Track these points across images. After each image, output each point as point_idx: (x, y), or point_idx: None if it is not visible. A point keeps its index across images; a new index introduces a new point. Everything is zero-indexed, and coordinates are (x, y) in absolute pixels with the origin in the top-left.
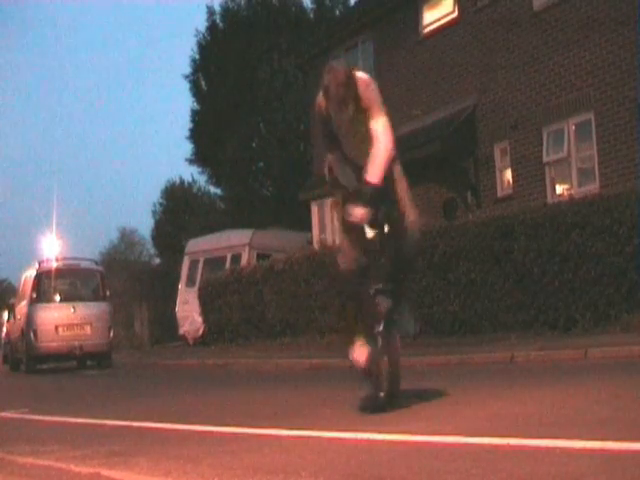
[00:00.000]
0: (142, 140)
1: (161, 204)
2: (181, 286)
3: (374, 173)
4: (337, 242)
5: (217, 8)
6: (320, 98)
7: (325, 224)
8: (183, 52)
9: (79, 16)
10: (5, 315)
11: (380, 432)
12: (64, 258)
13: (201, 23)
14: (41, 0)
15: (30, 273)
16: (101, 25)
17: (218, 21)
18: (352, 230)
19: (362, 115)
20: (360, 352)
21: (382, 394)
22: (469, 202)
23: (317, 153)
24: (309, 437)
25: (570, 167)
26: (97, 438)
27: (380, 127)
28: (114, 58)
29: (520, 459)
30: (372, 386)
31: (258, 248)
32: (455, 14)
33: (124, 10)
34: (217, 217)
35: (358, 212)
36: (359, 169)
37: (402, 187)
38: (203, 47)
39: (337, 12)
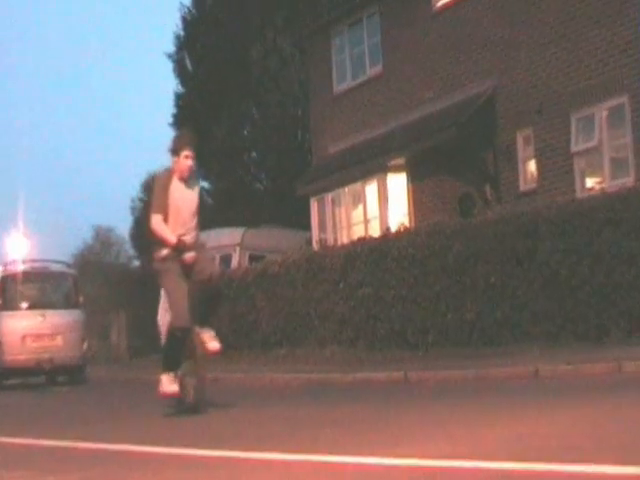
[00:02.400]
0: (119, 127)
1: (141, 199)
2: (163, 292)
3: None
4: (165, 302)
5: None
6: (165, 173)
7: (326, 222)
8: (165, 27)
9: None
10: None
11: (391, 456)
12: (32, 260)
13: None
14: None
15: None
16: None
17: None
18: (180, 278)
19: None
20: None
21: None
22: (488, 197)
23: (316, 141)
24: (308, 462)
25: (602, 157)
26: (69, 463)
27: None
28: (85, 34)
29: None
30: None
31: (250, 249)
32: None
33: None
34: (204, 214)
35: (190, 256)
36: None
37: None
38: (188, 22)
39: None
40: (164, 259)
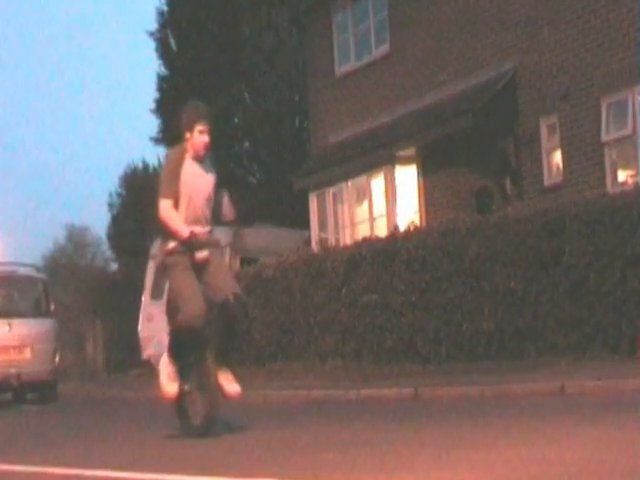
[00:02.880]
0: (95, 114)
1: (119, 194)
2: (145, 298)
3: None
4: (174, 294)
5: None
6: (177, 151)
7: (326, 220)
8: (147, 2)
9: None
10: None
11: None
12: None
13: None
14: None
15: None
16: None
17: None
18: (191, 272)
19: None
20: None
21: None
22: (508, 192)
23: (316, 130)
24: None
25: (635, 147)
26: None
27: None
28: (58, 9)
29: None
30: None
31: (242, 250)
32: None
33: None
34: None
35: (202, 255)
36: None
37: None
38: None
39: None
40: (171, 253)
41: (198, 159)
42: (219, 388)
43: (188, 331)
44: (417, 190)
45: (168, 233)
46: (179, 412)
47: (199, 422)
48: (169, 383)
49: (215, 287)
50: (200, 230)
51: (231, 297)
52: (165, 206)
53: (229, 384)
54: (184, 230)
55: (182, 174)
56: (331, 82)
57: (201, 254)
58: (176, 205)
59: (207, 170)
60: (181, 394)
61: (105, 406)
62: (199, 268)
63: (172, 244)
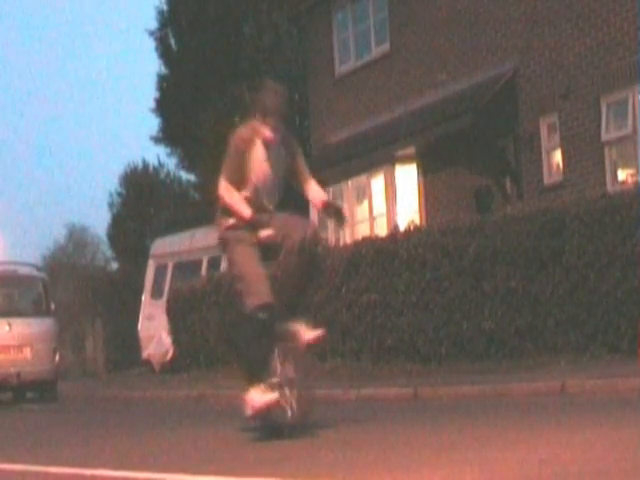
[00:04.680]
0: (95, 113)
1: (120, 194)
2: (145, 298)
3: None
4: (237, 280)
5: None
6: (247, 130)
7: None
8: (147, 1)
9: None
10: None
11: None
12: None
13: None
14: None
15: None
16: None
17: None
18: (255, 250)
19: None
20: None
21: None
22: (508, 191)
23: (316, 129)
24: None
25: (636, 147)
26: None
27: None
28: (59, 9)
29: None
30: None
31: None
32: None
33: None
34: (190, 210)
35: (267, 234)
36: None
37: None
38: None
39: None
40: (232, 228)
41: (270, 143)
42: (293, 340)
43: (258, 309)
44: (417, 189)
45: (226, 209)
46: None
47: (291, 420)
48: (263, 395)
49: (285, 235)
50: (266, 214)
51: (307, 237)
52: (225, 185)
53: (303, 331)
54: (246, 211)
55: (250, 160)
56: (331, 82)
57: (266, 232)
58: (240, 187)
59: (279, 155)
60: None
61: (105, 405)
62: (265, 247)
63: (231, 220)
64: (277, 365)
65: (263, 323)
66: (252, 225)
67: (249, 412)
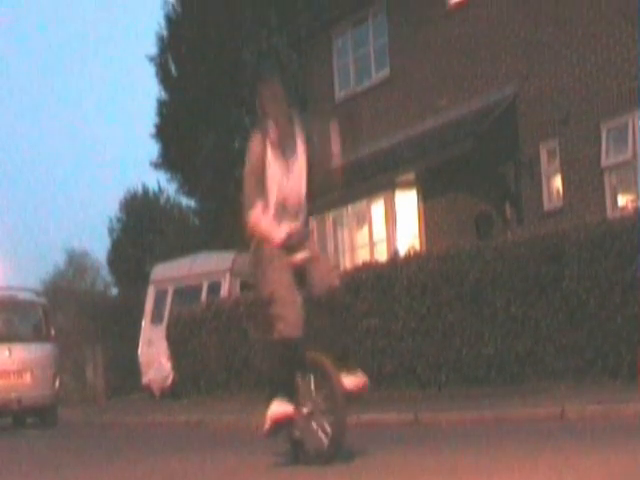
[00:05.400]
0: (95, 139)
1: (119, 220)
2: (145, 323)
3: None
4: (269, 302)
5: None
6: (257, 142)
7: (326, 243)
8: (147, 27)
9: None
10: None
11: None
12: None
13: None
14: None
15: None
16: None
17: None
18: (288, 273)
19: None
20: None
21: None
22: (508, 216)
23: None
24: None
25: (636, 172)
26: None
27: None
28: (59, 34)
29: None
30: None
31: (242, 275)
32: None
33: None
34: (190, 236)
35: (302, 257)
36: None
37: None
38: (172, 21)
39: None
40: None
41: (279, 144)
42: (345, 391)
43: (287, 344)
44: (417, 215)
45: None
46: (291, 439)
47: (324, 447)
48: (281, 405)
49: (318, 279)
50: (293, 227)
51: (336, 284)
52: (256, 215)
53: (353, 379)
54: (279, 235)
55: (267, 169)
56: (331, 107)
57: (301, 255)
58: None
59: (292, 154)
60: (295, 418)
61: (105, 431)
62: (300, 271)
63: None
64: (311, 392)
65: (287, 356)
66: (288, 248)
67: (266, 426)
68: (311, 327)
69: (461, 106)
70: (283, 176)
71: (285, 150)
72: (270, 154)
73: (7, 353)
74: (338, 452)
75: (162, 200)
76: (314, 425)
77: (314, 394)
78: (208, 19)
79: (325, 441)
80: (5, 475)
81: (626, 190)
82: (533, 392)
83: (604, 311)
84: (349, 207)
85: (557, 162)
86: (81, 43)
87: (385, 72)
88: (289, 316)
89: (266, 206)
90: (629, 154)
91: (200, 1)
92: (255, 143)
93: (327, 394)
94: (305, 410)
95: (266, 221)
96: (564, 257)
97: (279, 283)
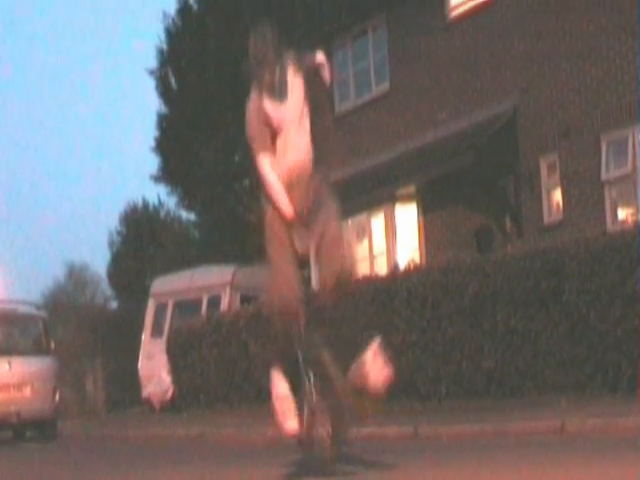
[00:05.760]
0: (95, 152)
1: (119, 233)
2: (145, 336)
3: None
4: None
5: None
6: (252, 100)
7: None
8: (147, 40)
9: None
10: None
11: None
12: None
13: (170, 4)
14: None
15: None
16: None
17: (191, 2)
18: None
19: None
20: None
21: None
22: (508, 230)
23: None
24: None
25: (636, 186)
26: None
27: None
28: (58, 47)
29: None
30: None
31: (242, 289)
32: None
33: None
34: (190, 249)
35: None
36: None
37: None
38: (172, 35)
39: None
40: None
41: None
42: (365, 382)
43: (282, 323)
44: (417, 228)
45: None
46: (304, 444)
47: (326, 454)
48: (287, 419)
49: (327, 258)
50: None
51: (343, 268)
52: (265, 165)
53: (378, 370)
54: (287, 209)
55: (266, 114)
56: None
57: (303, 246)
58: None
59: (284, 96)
60: (302, 423)
61: (105, 444)
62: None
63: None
64: (312, 393)
65: (288, 321)
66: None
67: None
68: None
69: (461, 119)
70: (277, 115)
71: (281, 94)
72: (269, 105)
73: (7, 366)
74: (340, 450)
75: (162, 213)
76: (315, 423)
77: (316, 396)
78: (208, 32)
79: (327, 443)
80: None
81: (626, 204)
82: (533, 405)
83: (604, 325)
84: (349, 220)
85: (557, 175)
86: (81, 56)
87: (385, 85)
88: (283, 289)
89: (276, 164)
90: (629, 168)
91: (200, 14)
92: (251, 102)
93: (330, 397)
94: (307, 412)
95: (277, 184)
96: (564, 271)
97: (278, 256)
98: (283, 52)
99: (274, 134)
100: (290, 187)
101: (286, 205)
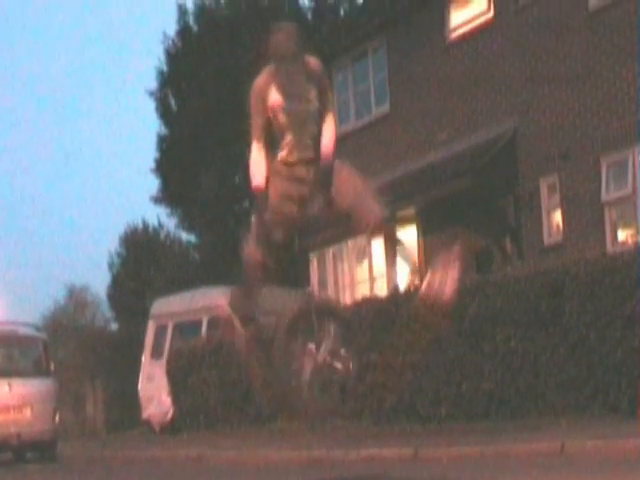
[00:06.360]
0: (95, 174)
1: (119, 255)
2: (145, 358)
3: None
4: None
5: (190, 7)
6: (262, 77)
7: (326, 279)
8: (147, 62)
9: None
10: None
11: None
12: None
13: (170, 25)
14: None
15: None
16: (39, 20)
17: (192, 23)
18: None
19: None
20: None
21: None
22: (508, 251)
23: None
24: None
25: (636, 207)
26: None
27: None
28: (57, 68)
29: None
30: None
31: (242, 310)
32: (490, 14)
33: (68, 3)
34: (190, 271)
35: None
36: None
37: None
38: (172, 56)
39: (342, 12)
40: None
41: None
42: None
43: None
44: (417, 250)
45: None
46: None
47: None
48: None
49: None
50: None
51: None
52: (254, 147)
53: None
54: (256, 180)
55: (270, 102)
56: None
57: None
58: (279, 137)
59: (301, 92)
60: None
61: (105, 466)
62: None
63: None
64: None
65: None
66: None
67: None
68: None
69: (461, 141)
70: (285, 101)
71: (292, 98)
72: (274, 87)
73: (7, 388)
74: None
75: (162, 235)
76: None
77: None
78: (208, 54)
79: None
80: None
81: (626, 225)
82: (533, 427)
83: (604, 346)
84: (349, 242)
85: (557, 197)
86: (81, 77)
87: (385, 107)
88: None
89: (264, 147)
90: (629, 189)
91: (200, 36)
92: (260, 78)
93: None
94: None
95: (255, 158)
96: (564, 292)
97: (275, 196)
98: (304, 50)
99: (269, 121)
100: (294, 134)
101: (258, 176)
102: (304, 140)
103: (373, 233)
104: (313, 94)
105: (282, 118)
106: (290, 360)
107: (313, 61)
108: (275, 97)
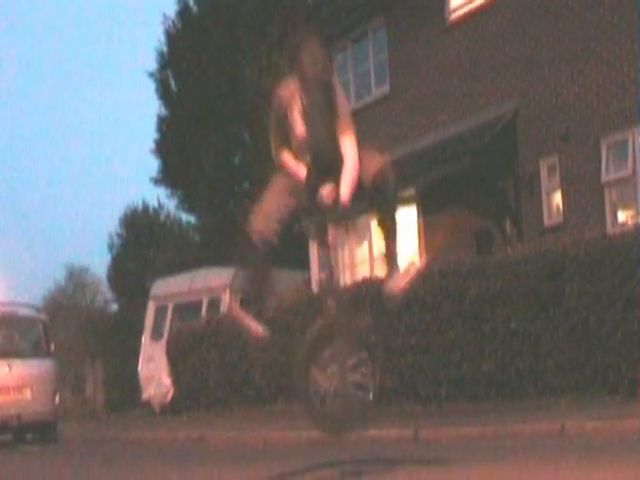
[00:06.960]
0: (95, 154)
1: (119, 235)
2: (145, 339)
3: (347, 193)
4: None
5: None
6: (286, 85)
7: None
8: (147, 43)
9: None
10: None
11: None
12: None
13: (170, 7)
14: None
15: None
16: (39, 4)
17: (191, 4)
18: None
19: (329, 117)
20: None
21: None
22: (508, 233)
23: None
24: None
25: (635, 188)
26: None
27: (354, 148)
28: (57, 49)
29: None
30: None
31: (242, 291)
32: None
33: None
34: (190, 252)
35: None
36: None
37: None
38: (172, 37)
39: None
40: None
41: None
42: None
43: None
44: (417, 231)
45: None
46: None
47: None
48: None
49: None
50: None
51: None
52: (281, 160)
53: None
54: (301, 171)
55: (292, 123)
56: None
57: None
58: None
59: (320, 110)
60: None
61: (105, 446)
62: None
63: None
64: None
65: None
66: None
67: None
68: None
69: (461, 122)
70: (306, 123)
71: (314, 126)
72: (296, 105)
73: (7, 369)
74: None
75: (162, 216)
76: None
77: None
78: (208, 35)
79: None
80: None
81: (626, 206)
82: (533, 408)
83: (604, 327)
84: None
85: (557, 178)
86: (81, 59)
87: (385, 88)
88: (259, 218)
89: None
90: (629, 170)
91: (200, 17)
92: (283, 88)
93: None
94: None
95: (287, 163)
96: (564, 273)
97: (267, 196)
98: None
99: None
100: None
101: (300, 171)
102: (321, 164)
103: (377, 182)
104: (333, 118)
105: (303, 147)
106: (310, 384)
107: (335, 80)
108: (298, 126)
